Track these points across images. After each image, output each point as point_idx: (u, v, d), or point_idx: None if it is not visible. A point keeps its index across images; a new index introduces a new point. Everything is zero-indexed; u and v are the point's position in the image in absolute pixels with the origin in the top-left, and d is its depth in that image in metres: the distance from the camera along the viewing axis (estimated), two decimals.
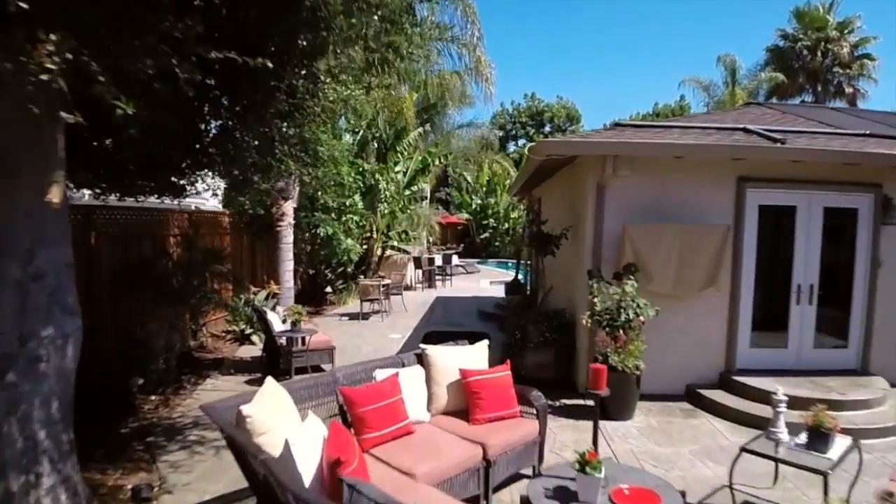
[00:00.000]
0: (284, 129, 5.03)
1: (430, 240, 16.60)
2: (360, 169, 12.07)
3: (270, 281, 9.62)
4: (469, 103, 25.70)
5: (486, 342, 4.46)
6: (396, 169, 14.38)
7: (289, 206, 9.92)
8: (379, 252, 14.48)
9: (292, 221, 10.04)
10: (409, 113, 11.37)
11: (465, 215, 29.31)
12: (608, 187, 5.72)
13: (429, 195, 25.40)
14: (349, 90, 5.08)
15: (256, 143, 4.76)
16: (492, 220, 28.83)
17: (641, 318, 5.23)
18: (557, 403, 5.78)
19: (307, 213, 11.00)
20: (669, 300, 5.73)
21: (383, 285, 11.34)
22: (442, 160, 14.23)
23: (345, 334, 9.58)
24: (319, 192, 10.41)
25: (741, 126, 6.58)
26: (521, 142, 35.29)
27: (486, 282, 17.99)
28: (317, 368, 7.09)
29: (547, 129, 35.19)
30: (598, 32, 60.55)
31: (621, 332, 5.32)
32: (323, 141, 6.45)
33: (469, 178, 29.54)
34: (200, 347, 8.54)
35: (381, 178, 12.28)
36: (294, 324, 6.35)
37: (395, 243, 15.39)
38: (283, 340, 6.49)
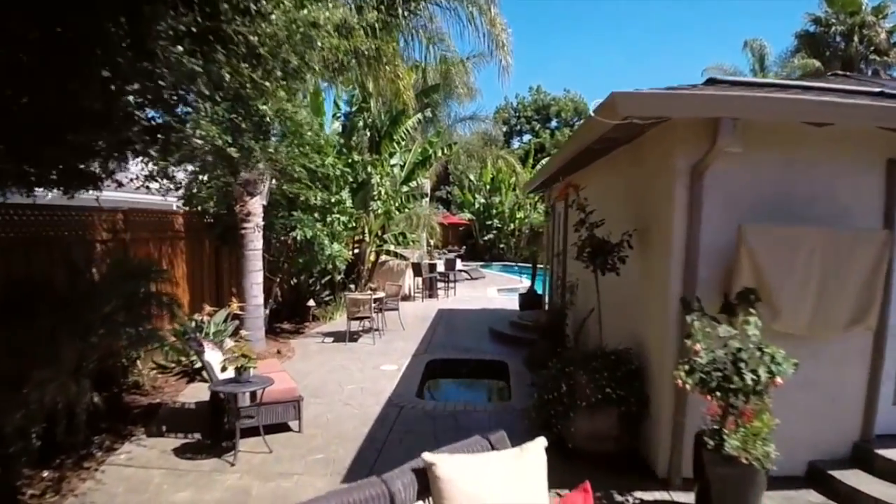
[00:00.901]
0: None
1: (431, 243, 14.59)
2: (349, 160, 10.10)
3: (232, 297, 7.64)
4: (472, 96, 23.98)
5: (542, 444, 2.49)
6: (392, 162, 12.40)
7: (256, 204, 7.95)
8: (372, 258, 12.51)
9: (261, 223, 8.07)
10: (406, 93, 9.44)
11: (468, 215, 27.35)
12: (708, 172, 3.76)
13: (429, 193, 23.47)
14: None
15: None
16: (496, 221, 26.89)
17: (778, 378, 3.27)
18: (629, 500, 3.83)
19: (283, 212, 9.04)
20: (791, 341, 3.77)
21: (375, 299, 9.38)
22: (445, 152, 12.27)
23: (325, 365, 7.60)
24: (289, 186, 8.43)
25: (877, 90, 4.61)
26: (525, 137, 33.33)
27: (494, 289, 16.03)
28: (280, 427, 5.13)
29: (553, 123, 33.25)
30: (606, 27, 58.48)
31: (742, 399, 3.37)
32: (272, 95, 4.46)
33: (472, 176, 27.60)
34: (135, 387, 6.56)
35: (374, 172, 10.33)
36: (239, 371, 4.38)
37: (391, 247, 13.43)
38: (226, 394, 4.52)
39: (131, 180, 5.78)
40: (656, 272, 4.23)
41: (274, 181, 8.08)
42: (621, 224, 4.78)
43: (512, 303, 12.91)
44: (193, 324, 7.15)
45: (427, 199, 23.40)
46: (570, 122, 32.95)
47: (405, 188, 13.14)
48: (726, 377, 3.41)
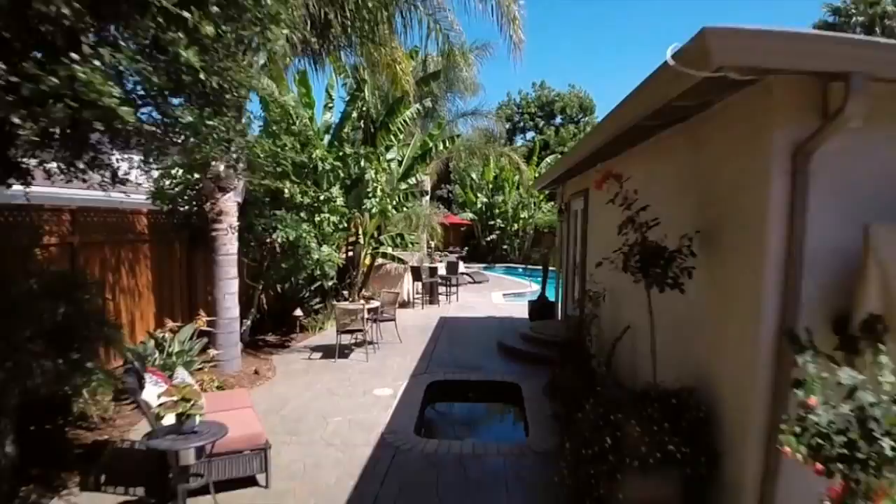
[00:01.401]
0: None
1: (432, 244, 13.53)
2: (340, 153, 9.03)
3: (199, 311, 6.58)
4: (475, 91, 22.93)
5: None
6: (389, 156, 11.34)
7: (229, 202, 6.89)
8: (367, 261, 11.46)
9: (235, 223, 7.01)
10: (405, 79, 8.39)
11: (470, 215, 26.30)
12: (818, 153, 2.70)
13: (429, 191, 22.41)
14: None
15: None
16: (499, 221, 25.83)
17: None
18: None
19: (265, 210, 7.99)
20: None
21: (369, 310, 8.33)
22: (447, 145, 11.22)
23: (309, 388, 6.54)
24: (270, 180, 7.40)
25: None
26: (529, 135, 32.25)
27: (499, 294, 14.97)
28: (242, 482, 4.07)
29: (558, 120, 32.17)
30: (613, 22, 57.39)
31: (873, 473, 2.32)
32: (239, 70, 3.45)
33: (474, 175, 26.54)
34: (82, 418, 5.52)
35: (368, 166, 9.27)
36: (182, 419, 3.32)
37: (389, 250, 12.38)
38: (167, 447, 3.46)
39: (64, 171, 4.73)
40: (735, 289, 3.17)
41: (249, 174, 7.01)
42: (673, 225, 3.72)
43: (520, 310, 11.84)
44: (153, 343, 6.10)
45: (427, 198, 22.37)
46: (575, 119, 31.89)
47: (403, 185, 12.07)
48: (851, 442, 2.36)
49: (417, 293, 13.37)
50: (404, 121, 10.88)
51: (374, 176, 9.21)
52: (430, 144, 11.06)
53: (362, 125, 10.64)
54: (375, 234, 11.71)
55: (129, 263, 6.91)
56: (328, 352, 8.14)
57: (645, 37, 55.35)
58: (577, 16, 55.90)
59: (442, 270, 14.53)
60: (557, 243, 10.24)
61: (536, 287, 16.18)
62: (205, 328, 6.30)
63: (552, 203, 29.08)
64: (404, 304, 12.62)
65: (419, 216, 18.05)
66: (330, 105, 11.35)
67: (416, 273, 12.35)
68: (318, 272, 8.22)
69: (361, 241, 10.74)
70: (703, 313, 3.56)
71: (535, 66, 64.57)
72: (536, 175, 25.59)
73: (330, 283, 10.90)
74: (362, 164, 9.14)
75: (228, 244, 6.95)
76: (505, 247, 25.91)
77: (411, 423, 5.46)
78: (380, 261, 12.08)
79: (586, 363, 5.65)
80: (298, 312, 9.31)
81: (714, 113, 3.45)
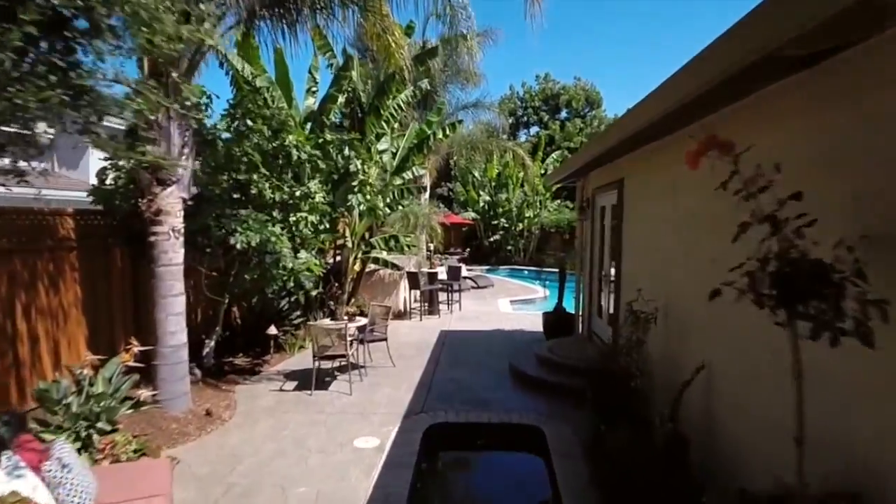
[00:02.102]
0: None
1: (431, 247, 12.08)
2: (320, 140, 7.57)
3: (131, 339, 5.13)
4: (476, 81, 21.49)
5: None
6: (381, 147, 9.89)
7: (170, 198, 5.44)
8: (357, 267, 10.02)
9: (180, 225, 5.56)
10: (399, 52, 6.95)
11: (472, 214, 24.84)
12: None
13: (428, 188, 20.96)
14: None
15: None
16: (503, 220, 24.38)
17: None
18: None
19: (228, 209, 6.56)
20: None
21: (358, 328, 6.89)
22: (447, 132, 9.72)
23: (272, 438, 5.08)
24: (235, 173, 5.99)
25: None
26: (533, 129, 30.75)
27: (505, 301, 13.52)
28: None
29: (563, 114, 30.65)
30: (619, 15, 55.57)
31: None
32: None
33: (476, 172, 25.09)
34: None
35: (353, 156, 7.82)
36: None
37: (383, 254, 10.96)
38: None
39: None
40: None
41: (198, 163, 5.57)
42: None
43: (531, 322, 10.41)
44: (69, 381, 4.65)
45: (426, 196, 20.94)
46: (582, 113, 30.39)
47: (398, 180, 10.64)
48: None
49: (416, 301, 11.93)
50: (398, 105, 9.43)
51: (360, 167, 7.75)
52: (428, 132, 9.59)
53: (349, 111, 9.18)
54: (367, 236, 10.27)
55: (49, 276, 5.47)
56: (305, 380, 6.70)
57: (651, 27, 53.71)
58: (582, 5, 54.16)
59: (442, 275, 13.09)
60: (577, 245, 8.79)
61: (546, 293, 14.75)
62: (133, 364, 4.84)
63: (558, 201, 27.65)
64: (400, 315, 11.18)
65: (417, 216, 16.64)
66: (314, 89, 9.91)
67: (414, 280, 10.91)
68: (292, 284, 6.76)
69: (350, 244, 9.29)
70: (867, 372, 2.10)
71: (538, 59, 62.86)
72: (543, 171, 24.14)
73: (314, 294, 9.49)
74: (346, 152, 7.67)
75: (171, 252, 5.50)
76: (509, 248, 24.45)
77: (403, 494, 4.00)
78: (372, 267, 10.63)
79: (639, 412, 4.20)
80: (273, 330, 7.85)
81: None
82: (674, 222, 4.56)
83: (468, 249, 25.29)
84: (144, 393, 5.13)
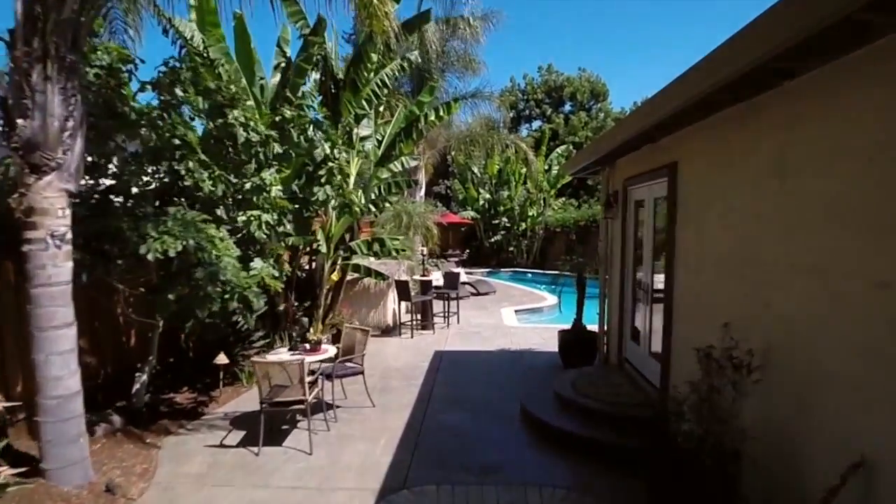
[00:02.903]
0: None
1: (424, 251, 10.47)
2: (277, 118, 5.94)
3: None
4: (476, 70, 19.94)
5: None
6: (363, 132, 8.29)
7: (48, 191, 3.84)
8: (335, 276, 8.42)
9: (63, 230, 3.96)
10: (380, 8, 5.37)
11: (471, 214, 23.25)
12: None
13: (423, 184, 19.38)
14: None
15: None
16: (504, 219, 22.78)
17: None
18: None
19: (147, 207, 4.98)
20: None
21: (320, 362, 5.30)
22: (442, 113, 8.08)
23: None
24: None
25: None
26: (535, 124, 29.12)
27: (510, 311, 11.92)
28: None
29: (567, 107, 29.05)
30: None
31: None
32: None
33: (475, 168, 23.49)
34: None
35: (322, 139, 6.22)
36: None
37: (370, 261, 9.37)
38: None
39: None
40: None
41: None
42: None
43: (541, 337, 8.84)
44: None
45: (422, 193, 19.35)
46: (587, 106, 28.78)
47: (384, 172, 9.04)
48: None
49: (407, 313, 10.32)
50: (382, 82, 7.83)
51: (329, 152, 6.13)
52: (418, 113, 7.97)
53: (321, 85, 7.56)
54: (347, 239, 8.67)
55: None
56: (256, 426, 5.09)
57: (660, 15, 51.88)
58: None
59: (439, 281, 11.50)
60: (601, 249, 7.20)
61: (554, 300, 13.10)
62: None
63: (563, 199, 26.05)
64: (388, 331, 9.59)
65: (411, 215, 15.07)
66: (283, 64, 8.30)
67: (403, 289, 9.29)
68: (236, 304, 5.16)
69: (324, 248, 7.69)
70: None
71: (541, 51, 60.57)
72: (547, 167, 22.53)
73: (281, 308, 7.92)
74: (310, 133, 6.05)
75: (51, 266, 3.90)
76: (511, 249, 22.85)
77: None
78: (353, 274, 9.03)
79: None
80: (222, 359, 6.25)
81: None
82: (782, 221, 2.98)
83: (467, 251, 23.71)
84: (5, 471, 3.56)
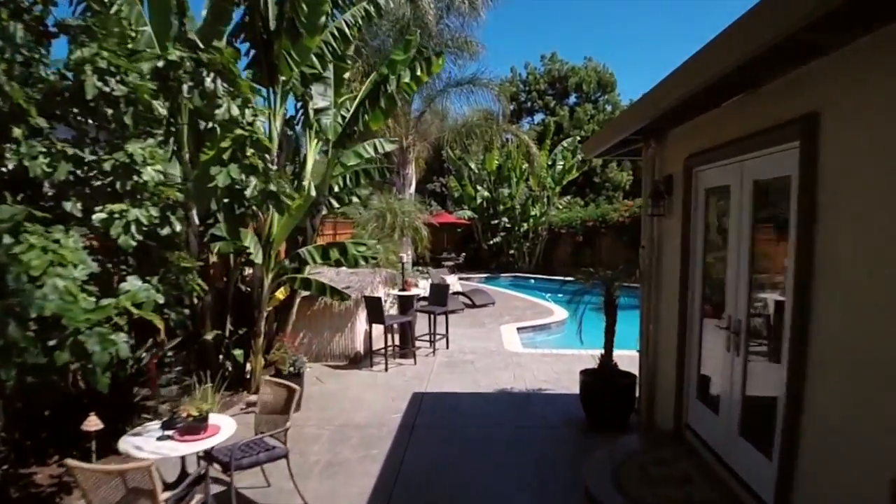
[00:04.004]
0: None
1: (405, 258, 8.39)
2: (160, 63, 3.87)
3: None
4: (474, 53, 17.97)
5: None
6: (319, 103, 6.23)
7: None
8: (281, 294, 6.37)
9: None
10: None
11: (468, 213, 21.21)
12: None
13: (413, 180, 17.33)
14: None
15: None
16: (504, 220, 20.75)
17: None
18: None
19: None
20: None
21: (208, 453, 3.26)
22: (420, 72, 5.95)
23: None
24: None
25: None
26: (538, 117, 27.07)
27: (511, 329, 9.86)
28: None
29: (572, 99, 27.00)
30: None
31: None
32: None
33: (472, 164, 21.45)
34: None
35: (226, 96, 4.15)
36: None
37: (330, 273, 7.34)
38: None
39: None
40: None
41: None
42: None
43: (552, 368, 6.80)
44: None
45: (412, 190, 17.30)
46: (593, 97, 26.75)
47: (352, 159, 7.00)
48: None
49: (382, 336, 8.23)
50: (341, 32, 5.78)
51: (230, 112, 4.03)
52: (387, 73, 5.89)
53: (250, 31, 5.48)
54: (301, 241, 6.61)
55: None
56: None
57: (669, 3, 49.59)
58: None
59: (424, 290, 9.42)
60: (644, 258, 5.11)
61: (562, 313, 10.93)
62: None
63: (568, 197, 23.90)
64: (358, 360, 7.53)
65: (396, 214, 13.05)
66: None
67: (375, 309, 7.20)
68: (68, 357, 3.11)
69: (258, 257, 5.63)
70: None
71: (545, 39, 57.82)
72: (551, 163, 20.45)
73: (210, 338, 5.94)
74: (208, 85, 3.96)
75: None
76: (512, 252, 20.82)
77: None
78: (305, 292, 6.95)
79: None
80: (92, 424, 4.19)
81: None
82: None
83: (464, 254, 21.68)
84: None
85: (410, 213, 13.40)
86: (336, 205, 7.06)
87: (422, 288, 11.68)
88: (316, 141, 6.69)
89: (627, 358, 5.54)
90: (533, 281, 18.96)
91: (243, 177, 3.92)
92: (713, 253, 3.90)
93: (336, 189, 7.06)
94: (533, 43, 53.54)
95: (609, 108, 26.36)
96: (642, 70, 47.08)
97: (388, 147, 7.37)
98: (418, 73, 5.86)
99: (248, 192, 4.18)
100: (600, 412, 5.20)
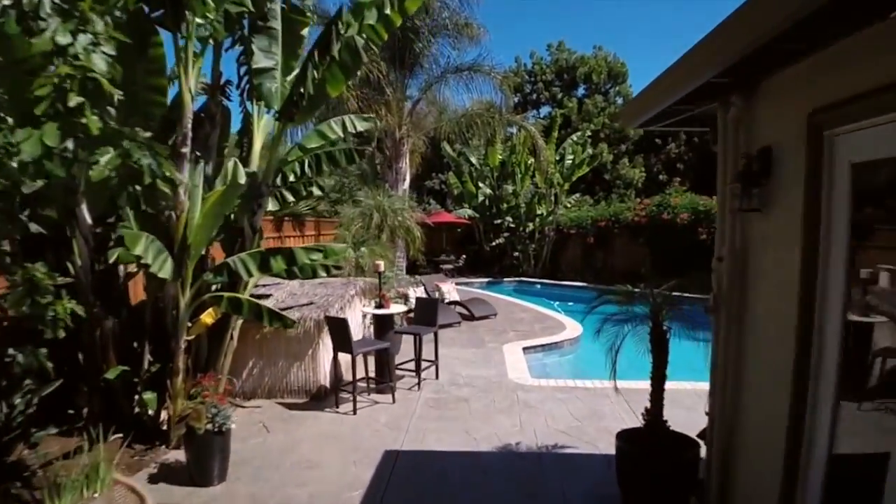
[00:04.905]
0: None
1: (382, 267, 6.72)
2: None
3: None
4: (475, 36, 16.48)
5: None
6: (262, 63, 4.62)
7: None
8: (208, 319, 4.76)
9: None
10: None
11: (469, 212, 19.58)
12: None
13: (408, 176, 15.72)
14: None
15: None
16: (508, 219, 19.10)
17: None
18: None
19: None
20: None
21: None
22: (389, 10, 4.38)
23: None
24: None
25: None
26: (544, 110, 25.43)
27: (516, 350, 8.22)
28: None
29: (581, 90, 25.33)
30: None
31: None
32: None
33: (473, 158, 19.81)
34: None
35: (70, 22, 2.62)
36: None
37: (288, 290, 5.75)
38: None
39: None
40: None
41: None
42: None
43: (569, 415, 5.14)
44: None
45: (406, 186, 15.71)
46: (603, 88, 25.07)
47: (315, 141, 5.42)
48: None
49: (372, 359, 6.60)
50: None
51: (56, 40, 2.40)
52: (346, 18, 4.27)
53: None
54: (240, 243, 5.01)
55: None
56: None
57: None
58: None
59: (401, 303, 7.78)
60: (720, 272, 3.41)
61: (575, 328, 9.12)
62: None
63: (577, 195, 22.12)
64: (322, 397, 5.92)
65: (385, 213, 11.47)
66: None
67: (339, 333, 5.55)
68: None
69: (165, 270, 4.04)
70: None
71: (552, 27, 55.07)
72: (559, 158, 18.76)
73: (113, 378, 4.40)
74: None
75: None
76: (516, 254, 19.18)
77: None
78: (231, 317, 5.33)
79: None
80: None
81: None
82: None
83: (464, 256, 20.06)
84: None
85: (401, 211, 11.81)
86: (291, 198, 5.46)
87: (411, 299, 10.10)
88: (266, 116, 5.11)
89: (678, 394, 3.92)
90: (539, 286, 17.34)
91: (69, 145, 2.32)
92: (868, 268, 2.27)
93: (292, 178, 5.46)
94: (538, 31, 51.22)
95: (620, 100, 24.67)
96: (656, 60, 44.94)
97: (361, 126, 5.76)
98: (387, 10, 4.24)
99: (93, 172, 2.58)
100: (646, 496, 3.59)
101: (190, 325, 4.71)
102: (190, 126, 4.21)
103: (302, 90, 4.24)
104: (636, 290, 3.91)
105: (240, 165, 4.04)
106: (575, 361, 8.43)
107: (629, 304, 3.81)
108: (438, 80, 15.65)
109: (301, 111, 4.48)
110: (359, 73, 12.65)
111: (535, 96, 25.28)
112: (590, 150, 19.38)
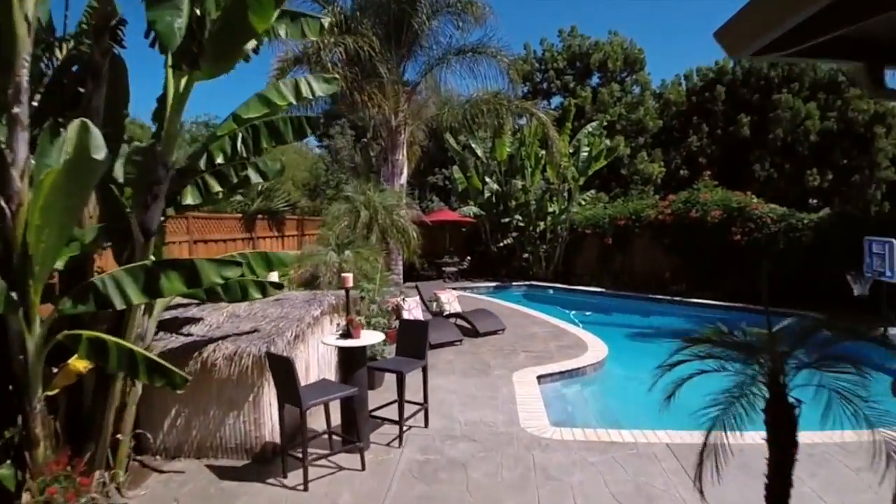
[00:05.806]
0: None
1: (350, 282, 5.14)
2: None
3: None
4: (479, 17, 14.92)
5: None
6: (169, 19, 3.07)
7: None
8: (80, 366, 3.22)
9: None
10: None
11: (474, 210, 17.98)
12: None
13: (405, 169, 14.14)
14: None
15: None
16: (517, 217, 17.48)
17: None
18: None
19: None
20: None
21: None
22: None
23: None
24: None
25: None
26: (555, 100, 23.71)
27: (530, 379, 6.62)
28: None
29: (595, 79, 23.58)
30: None
31: None
32: None
33: (479, 151, 18.18)
34: None
35: None
36: None
37: (229, 311, 4.21)
38: None
39: None
40: None
41: None
42: None
43: (611, 497, 3.55)
44: None
45: (403, 180, 14.14)
46: (619, 77, 23.31)
47: (256, 109, 3.88)
48: None
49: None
50: None
51: None
52: None
53: None
54: (128, 259, 3.47)
55: None
56: None
57: None
58: None
59: (411, 314, 6.20)
60: None
61: (601, 348, 7.23)
62: None
63: (592, 191, 20.24)
64: (265, 459, 4.37)
65: (375, 210, 9.92)
66: None
67: (283, 379, 3.98)
68: None
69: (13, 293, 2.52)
70: None
71: (564, 12, 52.27)
72: (573, 150, 17.08)
73: None
74: None
75: None
76: (526, 256, 17.56)
77: None
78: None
79: None
80: None
81: None
82: None
83: (469, 258, 18.47)
84: None
85: (395, 208, 10.24)
86: (217, 187, 3.91)
87: (406, 310, 8.54)
88: (177, 69, 3.55)
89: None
90: (552, 291, 15.75)
91: None
92: None
93: (220, 160, 3.91)
94: (550, 16, 48.56)
95: (637, 89, 22.94)
96: (675, 46, 42.59)
97: (322, 88, 4.20)
98: None
99: None
100: None
101: (55, 371, 3.20)
102: (26, 74, 2.68)
103: (199, 11, 2.69)
104: (746, 335, 2.32)
105: (92, 128, 2.52)
106: (602, 393, 6.85)
107: (745, 360, 2.23)
108: (440, 62, 14.10)
109: (206, 52, 2.93)
110: (345, 47, 10.90)
111: (545, 85, 23.57)
112: (607, 142, 17.71)
